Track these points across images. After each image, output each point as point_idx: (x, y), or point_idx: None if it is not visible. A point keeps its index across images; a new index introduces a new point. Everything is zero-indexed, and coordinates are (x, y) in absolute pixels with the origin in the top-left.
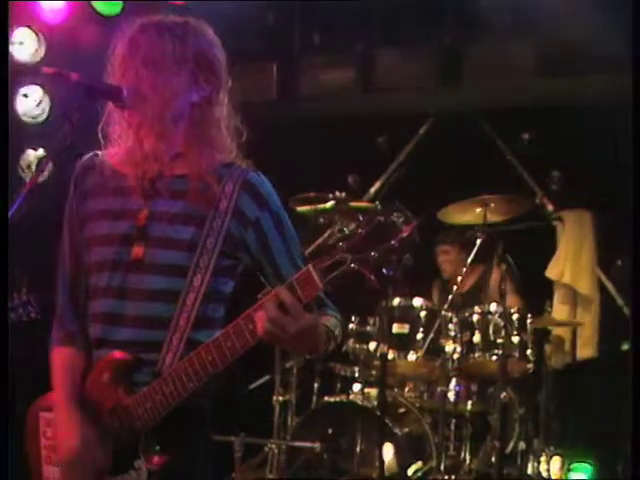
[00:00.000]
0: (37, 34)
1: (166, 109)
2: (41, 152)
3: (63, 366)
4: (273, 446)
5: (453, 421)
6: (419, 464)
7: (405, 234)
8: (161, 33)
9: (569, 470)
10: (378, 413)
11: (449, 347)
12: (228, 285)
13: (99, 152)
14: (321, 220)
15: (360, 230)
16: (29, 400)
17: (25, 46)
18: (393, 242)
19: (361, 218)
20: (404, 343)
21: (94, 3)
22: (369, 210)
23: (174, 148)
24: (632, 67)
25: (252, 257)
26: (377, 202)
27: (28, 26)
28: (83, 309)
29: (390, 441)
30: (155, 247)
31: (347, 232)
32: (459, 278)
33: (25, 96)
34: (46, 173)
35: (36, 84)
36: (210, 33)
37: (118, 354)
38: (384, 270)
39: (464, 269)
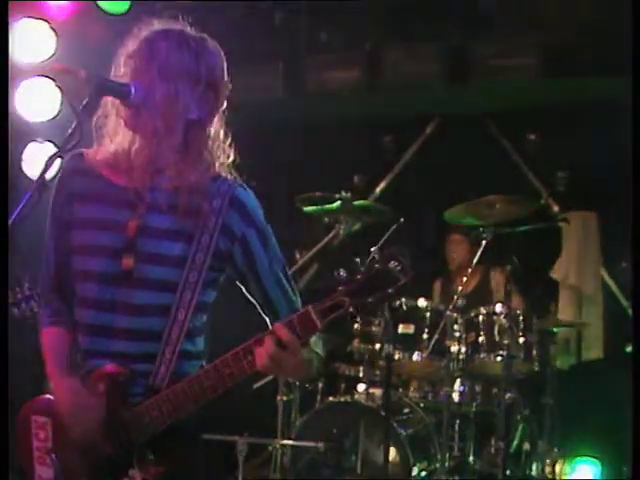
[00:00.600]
0: (51, 29)
1: (170, 121)
2: (49, 147)
3: (53, 344)
4: (277, 446)
5: (457, 422)
6: (423, 464)
7: (402, 283)
8: (181, 46)
9: (573, 469)
10: (382, 413)
11: (454, 348)
12: (212, 296)
13: (84, 151)
14: (326, 220)
15: (359, 276)
16: (26, 397)
17: (35, 40)
18: (390, 290)
19: (359, 264)
20: (409, 343)
21: (100, 2)
22: (368, 260)
23: (165, 160)
24: (632, 67)
25: (237, 271)
26: (376, 250)
27: (42, 19)
28: (70, 309)
29: (394, 441)
30: (145, 262)
31: (344, 275)
32: (464, 279)
33: (33, 92)
34: (53, 169)
35: (46, 79)
36: (221, 55)
37: (111, 368)
38: (379, 312)
39: (469, 270)
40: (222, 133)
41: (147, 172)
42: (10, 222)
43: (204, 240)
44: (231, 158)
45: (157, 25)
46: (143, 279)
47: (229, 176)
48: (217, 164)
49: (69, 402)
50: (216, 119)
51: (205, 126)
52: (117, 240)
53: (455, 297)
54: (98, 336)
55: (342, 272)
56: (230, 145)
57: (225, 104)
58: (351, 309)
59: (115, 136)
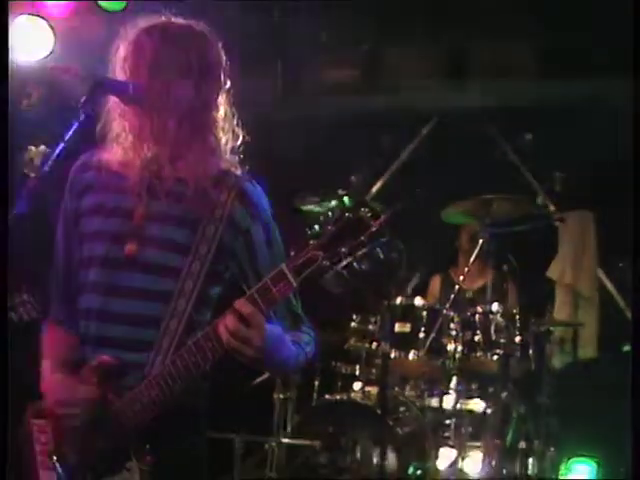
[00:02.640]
0: (49, 26)
1: (169, 115)
2: (43, 148)
3: (51, 341)
4: (273, 444)
5: (453, 420)
6: (419, 463)
7: (373, 229)
8: (166, 39)
9: (569, 469)
10: (378, 412)
11: (450, 346)
12: (216, 290)
13: (95, 150)
14: (322, 219)
15: (329, 227)
16: (25, 403)
17: (32, 39)
18: (362, 237)
19: (330, 214)
20: (406, 342)
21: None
22: (337, 207)
23: (174, 151)
24: (632, 68)
25: (239, 266)
26: (345, 197)
27: (40, 15)
28: (75, 304)
29: (390, 440)
30: (148, 246)
31: (316, 230)
32: (461, 277)
33: (30, 92)
34: (50, 169)
35: (42, 79)
36: (212, 37)
37: (106, 358)
38: (355, 265)
39: (466, 269)
40: (229, 113)
41: (155, 164)
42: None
43: (209, 231)
44: (240, 139)
45: (141, 23)
46: (145, 263)
47: (238, 171)
48: (226, 148)
49: (60, 397)
50: (221, 100)
51: (210, 110)
52: (123, 226)
53: (452, 296)
54: (99, 320)
55: (316, 227)
56: (238, 125)
57: (229, 83)
58: (325, 262)
59: (120, 138)
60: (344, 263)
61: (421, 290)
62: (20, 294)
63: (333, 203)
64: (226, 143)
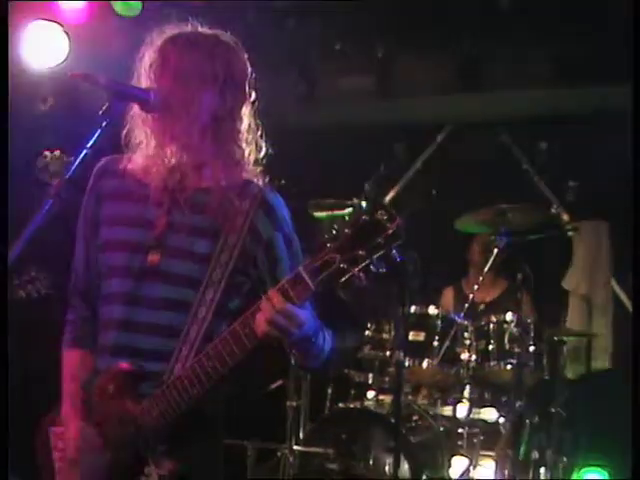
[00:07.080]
0: (65, 32)
1: (192, 123)
2: (58, 153)
3: (72, 371)
4: (286, 451)
5: (466, 429)
6: (432, 472)
7: (390, 231)
8: (192, 48)
9: (581, 478)
10: (392, 420)
11: (464, 355)
12: (235, 302)
13: (118, 156)
14: (335, 226)
15: (346, 230)
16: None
17: (49, 45)
18: (379, 240)
19: (347, 218)
20: (419, 351)
21: (113, 4)
22: (352, 213)
23: (196, 160)
24: (633, 74)
25: (259, 274)
26: (362, 200)
27: (55, 21)
28: (95, 313)
29: (403, 448)
30: (171, 257)
31: (333, 233)
32: (475, 287)
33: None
34: (72, 175)
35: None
36: (238, 47)
37: (124, 365)
38: (372, 267)
39: (480, 278)
40: (253, 125)
41: (178, 173)
42: (32, 229)
43: (231, 239)
44: (263, 151)
45: (168, 31)
46: (167, 274)
47: (260, 180)
48: (249, 159)
49: (79, 441)
50: (245, 112)
51: (233, 120)
52: (145, 236)
53: (466, 305)
54: (120, 330)
55: (333, 231)
56: (261, 136)
57: (254, 95)
58: (342, 265)
59: (143, 145)
60: (361, 266)
61: (434, 301)
62: (28, 272)
63: (347, 211)
64: (249, 154)
